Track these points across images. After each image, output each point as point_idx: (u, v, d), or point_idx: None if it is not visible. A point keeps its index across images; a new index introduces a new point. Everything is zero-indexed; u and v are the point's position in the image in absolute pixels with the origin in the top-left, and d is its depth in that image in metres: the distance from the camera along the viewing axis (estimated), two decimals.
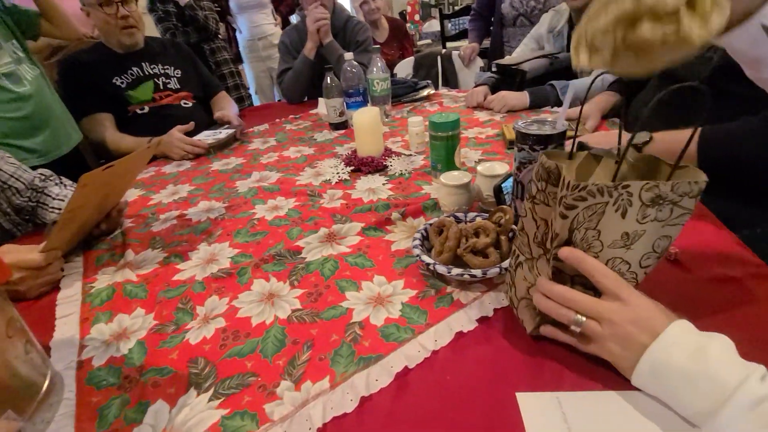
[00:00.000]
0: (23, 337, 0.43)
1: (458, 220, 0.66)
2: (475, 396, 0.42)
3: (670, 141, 0.79)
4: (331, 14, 1.63)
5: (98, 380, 0.49)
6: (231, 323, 0.56)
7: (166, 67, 1.45)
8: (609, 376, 0.42)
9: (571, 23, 1.42)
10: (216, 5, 2.14)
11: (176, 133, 1.23)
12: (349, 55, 1.26)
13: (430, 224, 0.65)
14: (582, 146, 0.48)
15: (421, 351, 0.47)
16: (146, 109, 1.36)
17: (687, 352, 0.36)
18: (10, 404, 0.40)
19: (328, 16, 1.57)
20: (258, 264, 0.67)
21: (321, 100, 1.38)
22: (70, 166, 1.20)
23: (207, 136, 1.29)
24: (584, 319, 0.42)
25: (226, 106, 1.54)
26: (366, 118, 0.95)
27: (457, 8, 3.64)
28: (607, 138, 0.88)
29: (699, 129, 0.76)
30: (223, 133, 1.30)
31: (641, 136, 0.83)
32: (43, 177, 0.92)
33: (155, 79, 1.40)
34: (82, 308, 0.62)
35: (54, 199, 0.88)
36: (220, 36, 2.06)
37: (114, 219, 0.82)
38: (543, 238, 0.43)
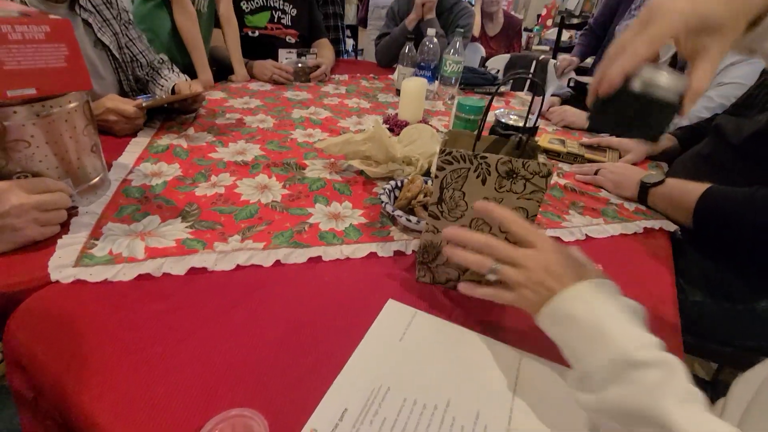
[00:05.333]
0: (92, 141, 0.64)
1: None
2: (359, 294, 0.53)
3: (679, 190, 0.78)
4: None
5: (129, 192, 0.69)
6: (227, 193, 0.72)
7: (285, 4, 1.66)
8: (477, 315, 0.51)
9: (675, 60, 1.33)
10: None
11: (270, 61, 1.45)
12: (431, 32, 1.35)
13: (407, 179, 0.75)
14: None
15: (337, 254, 0.60)
16: (257, 33, 1.60)
17: (587, 307, 0.37)
18: (71, 176, 0.61)
19: None
20: (269, 165, 0.83)
21: (398, 66, 1.50)
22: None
23: (291, 62, 1.48)
24: (500, 265, 0.42)
25: (323, 53, 1.73)
26: (412, 85, 1.05)
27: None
28: (626, 172, 0.88)
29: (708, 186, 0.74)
30: (309, 60, 1.49)
31: (655, 176, 0.83)
32: (161, 60, 1.18)
33: (273, 11, 1.63)
34: (143, 151, 0.84)
35: (162, 78, 1.13)
36: None
37: (190, 104, 1.05)
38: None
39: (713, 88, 1.18)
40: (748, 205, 0.68)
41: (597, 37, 1.85)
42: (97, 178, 0.66)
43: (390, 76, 1.67)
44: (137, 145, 0.86)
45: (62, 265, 0.52)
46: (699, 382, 0.46)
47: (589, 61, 1.88)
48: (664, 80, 0.38)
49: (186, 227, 0.62)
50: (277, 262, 0.57)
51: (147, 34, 1.22)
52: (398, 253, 0.62)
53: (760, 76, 0.94)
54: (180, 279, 0.52)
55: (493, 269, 0.43)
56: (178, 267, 0.54)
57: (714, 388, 0.71)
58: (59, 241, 0.55)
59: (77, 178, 0.62)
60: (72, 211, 0.61)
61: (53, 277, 0.50)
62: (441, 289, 0.56)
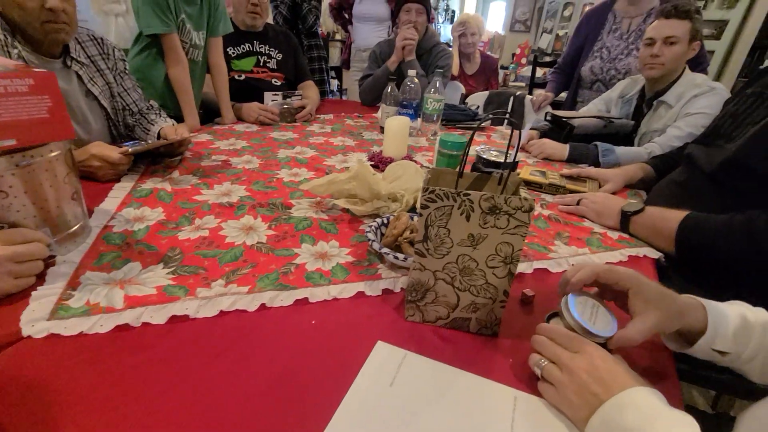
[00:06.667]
0: (73, 188, 0.63)
1: None
2: (347, 336, 0.52)
3: (658, 218, 0.80)
4: (421, 37, 1.80)
5: (110, 239, 0.68)
6: (211, 236, 0.72)
7: (271, 49, 1.72)
8: (468, 355, 0.49)
9: (643, 93, 1.41)
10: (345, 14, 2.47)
11: (256, 103, 1.48)
12: (412, 72, 1.41)
13: (393, 215, 0.75)
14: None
15: (325, 294, 0.58)
16: (243, 77, 1.64)
17: (642, 417, 0.36)
18: (50, 225, 0.60)
19: (415, 38, 1.73)
20: (254, 206, 0.83)
21: (381, 105, 1.54)
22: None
23: (277, 104, 1.51)
24: (545, 362, 0.45)
25: (308, 94, 1.78)
26: (395, 124, 1.08)
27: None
28: (607, 201, 0.90)
29: (686, 213, 0.76)
30: (294, 102, 1.53)
31: (635, 205, 0.85)
32: (149, 107, 1.20)
33: (258, 56, 1.68)
34: (127, 196, 0.83)
35: (149, 122, 1.14)
36: (320, 37, 2.34)
37: (175, 148, 1.05)
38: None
39: (681, 118, 1.24)
40: (727, 231, 0.69)
41: (566, 74, 1.95)
42: (77, 226, 0.65)
43: (374, 114, 1.72)
44: (121, 189, 0.86)
45: (35, 318, 0.50)
46: (700, 415, 0.44)
47: (563, 95, 1.98)
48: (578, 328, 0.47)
49: (167, 273, 0.60)
50: (263, 306, 0.55)
51: (141, 84, 1.24)
52: (387, 291, 0.61)
53: (723, 106, 0.99)
54: (160, 329, 0.50)
55: (539, 365, 0.45)
56: (158, 316, 0.52)
57: (718, 421, 0.69)
58: (33, 293, 0.53)
59: (56, 227, 0.61)
60: (49, 261, 0.60)
61: (25, 332, 0.47)
62: (431, 327, 0.54)
